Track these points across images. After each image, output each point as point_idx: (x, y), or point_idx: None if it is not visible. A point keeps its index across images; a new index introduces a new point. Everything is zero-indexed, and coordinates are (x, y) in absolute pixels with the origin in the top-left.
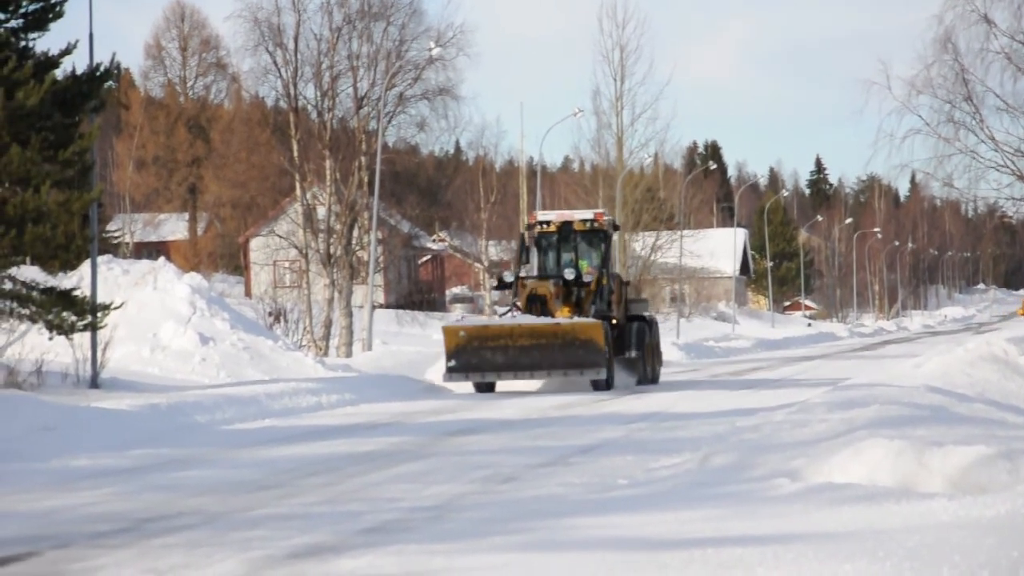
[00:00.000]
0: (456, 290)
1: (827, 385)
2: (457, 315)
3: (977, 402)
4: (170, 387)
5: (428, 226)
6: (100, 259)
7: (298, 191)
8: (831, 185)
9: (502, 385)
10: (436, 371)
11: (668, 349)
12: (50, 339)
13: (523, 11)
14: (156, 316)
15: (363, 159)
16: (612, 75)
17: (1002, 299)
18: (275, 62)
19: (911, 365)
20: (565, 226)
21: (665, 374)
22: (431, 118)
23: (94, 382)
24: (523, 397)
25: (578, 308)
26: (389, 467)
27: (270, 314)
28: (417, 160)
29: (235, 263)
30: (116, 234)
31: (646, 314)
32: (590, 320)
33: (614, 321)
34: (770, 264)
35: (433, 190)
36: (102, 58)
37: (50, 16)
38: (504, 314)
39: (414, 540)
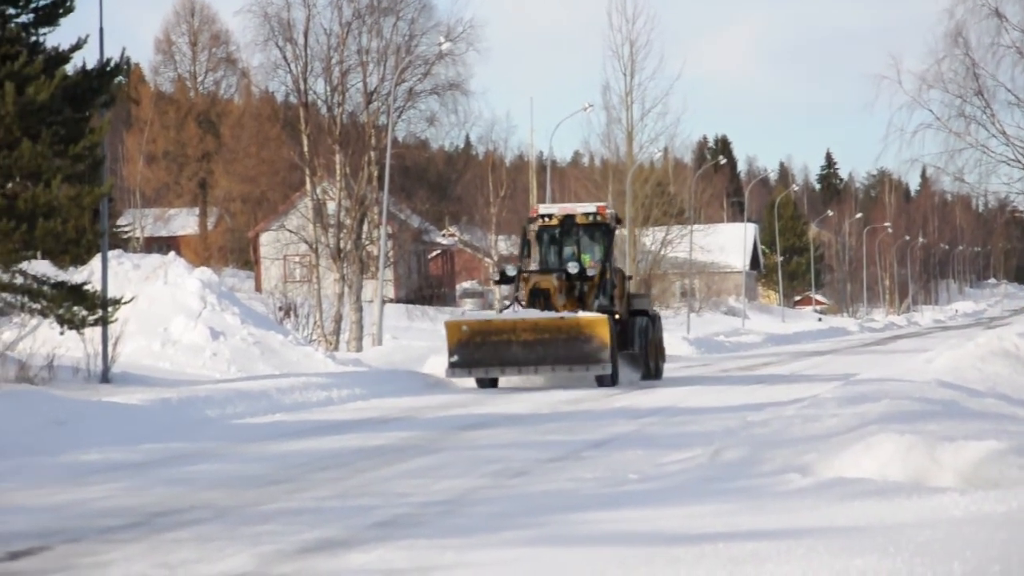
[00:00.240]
0: (466, 285)
1: (838, 380)
2: (469, 307)
3: (988, 397)
4: (181, 382)
5: (438, 221)
6: (111, 254)
7: (308, 186)
8: (841, 180)
9: (507, 381)
10: (432, 364)
11: (678, 343)
12: (61, 334)
13: (533, 6)
14: (166, 311)
15: (373, 154)
16: (622, 70)
17: (1013, 294)
18: (285, 57)
19: (922, 360)
20: (567, 219)
21: (675, 369)
22: (441, 113)
23: (105, 377)
24: (533, 392)
25: (581, 302)
26: (400, 462)
27: (280, 309)
28: (427, 155)
29: (245, 258)
30: (126, 229)
31: (648, 309)
32: (595, 315)
33: (617, 316)
34: (780, 259)
35: (443, 185)
36: (112, 53)
37: (60, 11)
38: (505, 309)
39: (425, 535)
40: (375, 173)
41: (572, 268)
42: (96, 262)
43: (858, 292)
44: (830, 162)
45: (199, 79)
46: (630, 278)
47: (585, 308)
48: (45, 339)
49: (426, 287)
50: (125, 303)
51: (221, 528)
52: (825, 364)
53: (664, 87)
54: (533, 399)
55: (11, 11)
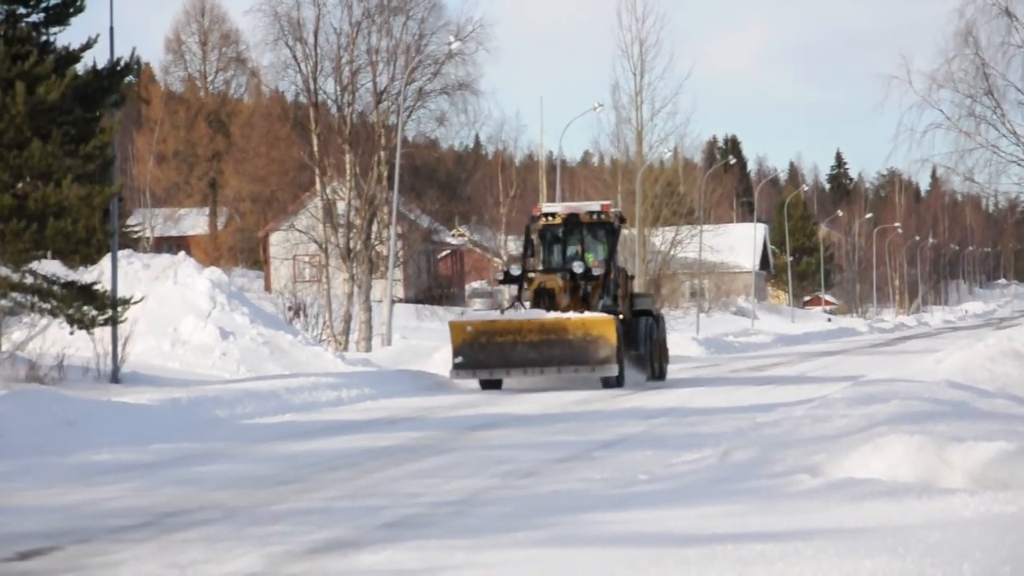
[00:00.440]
0: (475, 285)
1: (847, 381)
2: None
3: (998, 398)
4: (190, 381)
5: (447, 221)
6: (120, 253)
7: (318, 186)
8: (851, 180)
9: (509, 382)
10: (436, 362)
11: (688, 344)
12: (71, 333)
13: (542, 5)
14: (176, 311)
15: (383, 154)
16: (631, 70)
17: (1023, 294)
18: (295, 57)
19: (932, 361)
20: (571, 218)
21: (684, 369)
22: (451, 112)
23: (115, 376)
24: (541, 393)
25: (585, 302)
26: (409, 462)
27: (290, 309)
28: (437, 155)
29: (255, 258)
30: (136, 228)
31: (651, 309)
32: (601, 315)
33: (621, 316)
34: (790, 259)
35: (452, 184)
36: (122, 53)
37: (71, 11)
38: (507, 308)
39: (435, 535)
40: (385, 173)
41: (577, 267)
42: (106, 262)
43: (868, 292)
44: (840, 162)
45: (209, 79)
46: (633, 277)
47: (589, 308)
48: (55, 339)
49: (435, 287)
50: (135, 303)
51: (231, 528)
52: (835, 364)
53: (674, 87)
54: (542, 400)
55: (22, 11)
